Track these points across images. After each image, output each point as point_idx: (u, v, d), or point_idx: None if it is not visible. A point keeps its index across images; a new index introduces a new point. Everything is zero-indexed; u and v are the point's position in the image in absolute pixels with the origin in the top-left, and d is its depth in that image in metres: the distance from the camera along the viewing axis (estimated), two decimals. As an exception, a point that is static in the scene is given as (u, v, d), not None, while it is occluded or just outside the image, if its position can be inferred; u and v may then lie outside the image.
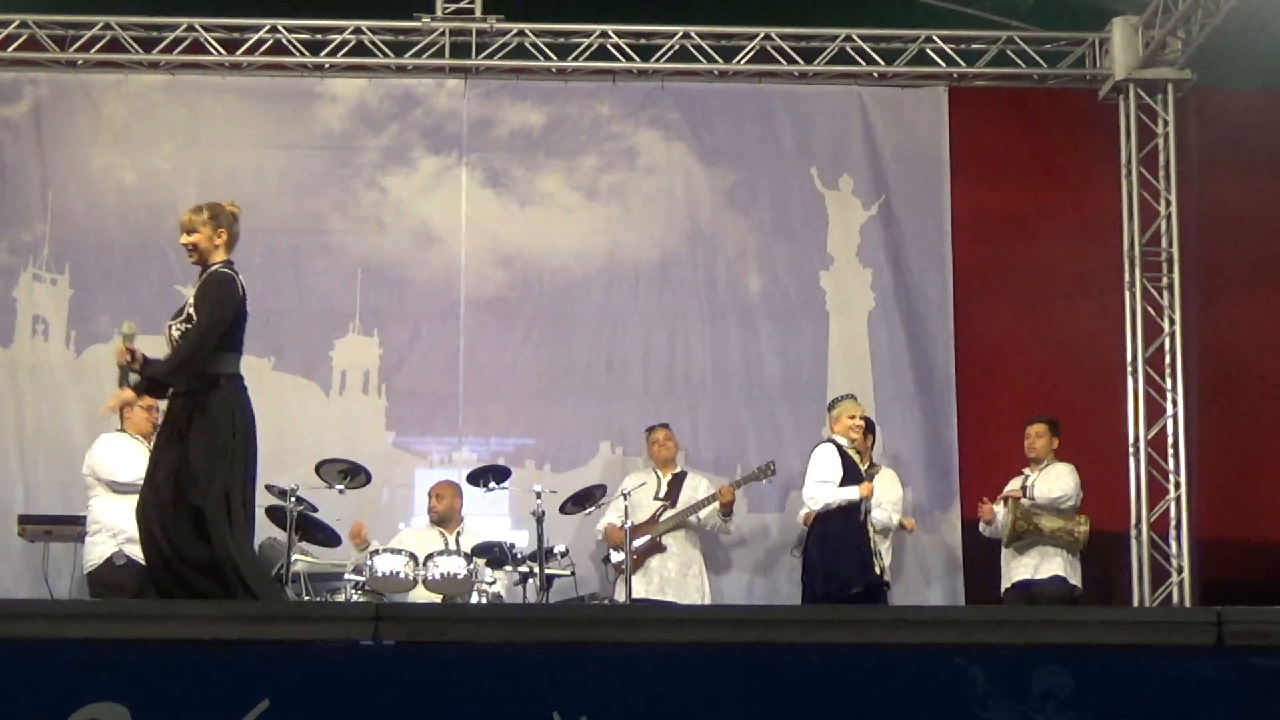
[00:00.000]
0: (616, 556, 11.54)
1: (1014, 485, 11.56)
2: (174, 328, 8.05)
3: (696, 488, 11.80)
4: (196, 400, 7.98)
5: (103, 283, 12.76)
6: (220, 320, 7.91)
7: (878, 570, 10.59)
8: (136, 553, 10.28)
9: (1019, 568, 11.35)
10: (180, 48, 12.82)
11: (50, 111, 12.96)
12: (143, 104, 13.04)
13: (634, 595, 11.32)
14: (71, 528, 11.36)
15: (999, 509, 11.45)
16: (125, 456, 10.67)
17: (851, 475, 10.63)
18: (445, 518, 11.59)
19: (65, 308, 12.70)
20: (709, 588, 11.78)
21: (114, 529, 10.54)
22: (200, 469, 7.90)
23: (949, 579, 12.43)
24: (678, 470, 11.92)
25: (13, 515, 11.92)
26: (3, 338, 12.65)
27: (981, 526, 11.75)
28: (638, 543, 11.33)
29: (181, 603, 10.02)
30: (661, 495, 11.73)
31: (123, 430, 10.89)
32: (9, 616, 5.23)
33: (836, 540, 10.60)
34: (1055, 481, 11.37)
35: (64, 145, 12.96)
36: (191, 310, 7.97)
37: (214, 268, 8.03)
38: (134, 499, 10.32)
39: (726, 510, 11.65)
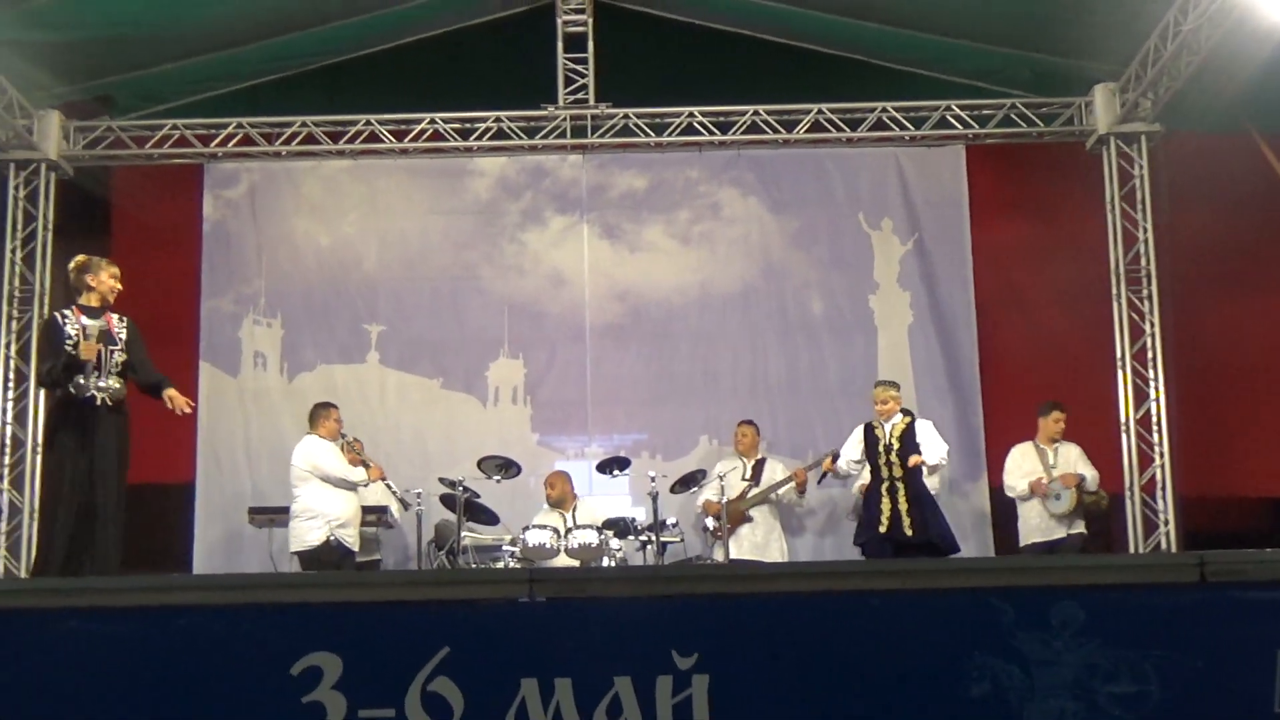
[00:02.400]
0: (712, 524, 11.62)
1: (1025, 454, 11.55)
2: (115, 353, 8.20)
3: (775, 470, 11.84)
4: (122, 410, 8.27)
5: (307, 324, 12.90)
6: None
7: (883, 529, 10.46)
8: (343, 535, 10.62)
9: (1057, 528, 11.30)
10: (361, 138, 12.96)
11: (262, 192, 13.12)
12: (333, 183, 13.20)
13: (724, 557, 11.34)
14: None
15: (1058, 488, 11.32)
16: (332, 455, 10.89)
17: (872, 451, 10.76)
18: (560, 500, 11.60)
19: (279, 345, 12.85)
20: (787, 549, 11.81)
21: (327, 515, 10.70)
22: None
23: (980, 535, 12.33)
24: (760, 457, 11.93)
25: (244, 507, 11.98)
26: (232, 370, 12.78)
27: (1021, 491, 11.56)
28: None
29: (379, 573, 10.36)
30: (748, 477, 11.75)
31: (318, 434, 11.01)
32: (245, 587, 5.33)
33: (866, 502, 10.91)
34: (1089, 466, 11.45)
35: (273, 217, 13.12)
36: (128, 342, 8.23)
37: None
38: (340, 493, 10.88)
39: (801, 489, 11.73)
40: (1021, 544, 11.58)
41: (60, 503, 8.04)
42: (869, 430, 10.81)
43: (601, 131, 13.00)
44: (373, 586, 5.39)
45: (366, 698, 4.71)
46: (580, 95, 12.85)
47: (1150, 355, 12.57)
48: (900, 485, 10.54)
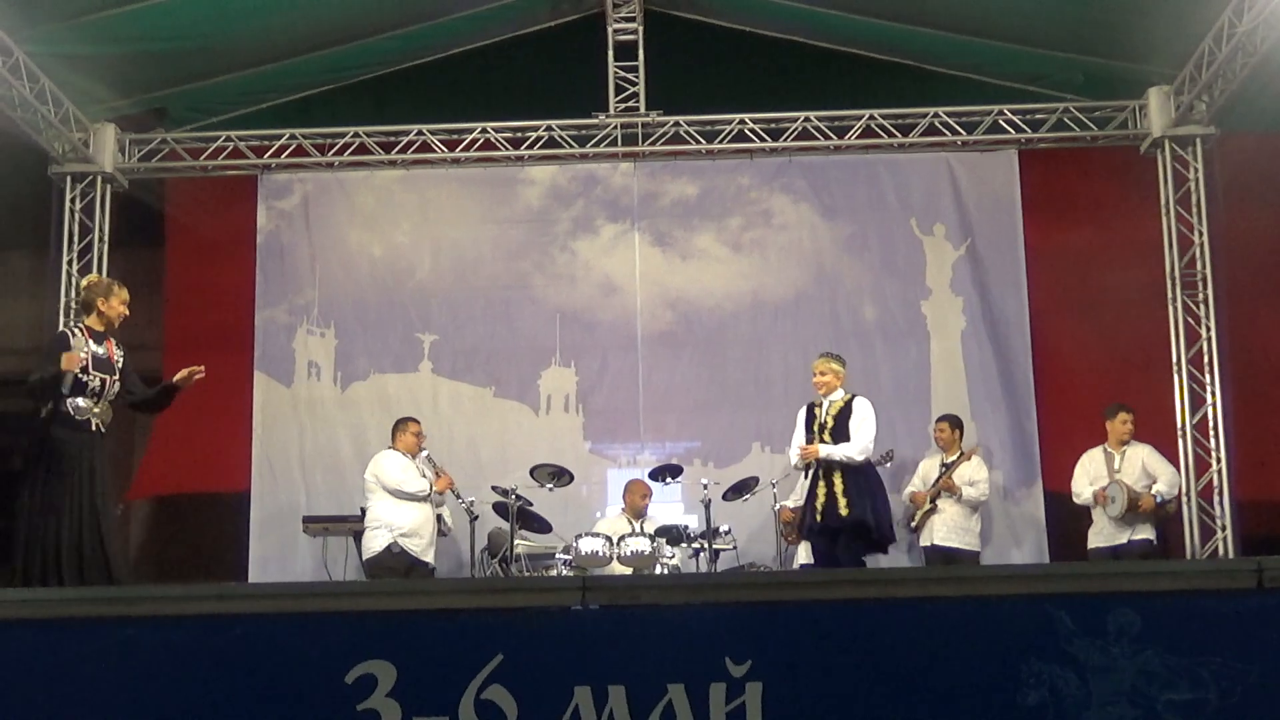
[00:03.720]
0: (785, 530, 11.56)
1: (1093, 459, 11.48)
2: (114, 383, 8.26)
3: None
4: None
5: (360, 333, 12.93)
6: None
7: (819, 518, 9.67)
8: (408, 544, 10.79)
9: (1118, 534, 11.22)
10: (413, 149, 12.95)
11: (315, 203, 13.18)
12: (385, 194, 13.24)
13: (800, 561, 11.37)
14: (343, 524, 11.61)
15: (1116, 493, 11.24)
16: (406, 470, 11.05)
17: (809, 429, 10.00)
18: (640, 511, 11.58)
19: (332, 355, 12.90)
20: None
21: (391, 525, 10.90)
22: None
23: (1034, 541, 12.24)
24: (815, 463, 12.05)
25: (298, 516, 12.09)
26: (286, 379, 12.84)
27: (1086, 500, 11.49)
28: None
29: (432, 581, 10.40)
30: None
31: (395, 448, 11.23)
32: (300, 595, 5.43)
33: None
34: (1161, 463, 11.39)
35: (326, 228, 13.17)
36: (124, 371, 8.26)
37: None
38: (408, 504, 10.96)
39: None
40: (1088, 549, 11.49)
41: (59, 523, 7.97)
42: (810, 410, 10.10)
43: (652, 139, 12.96)
44: (426, 594, 5.45)
45: (420, 705, 4.74)
46: (631, 103, 12.81)
47: (1206, 359, 12.40)
48: (836, 466, 9.78)
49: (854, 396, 10.12)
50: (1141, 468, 11.39)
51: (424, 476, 11.20)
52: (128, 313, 8.50)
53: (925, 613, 4.99)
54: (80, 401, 8.13)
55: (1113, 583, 5.15)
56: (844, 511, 9.60)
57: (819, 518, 9.68)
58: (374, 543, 10.98)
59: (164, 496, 13.48)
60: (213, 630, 4.88)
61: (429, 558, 11.15)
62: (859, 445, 9.82)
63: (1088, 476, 11.55)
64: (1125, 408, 11.56)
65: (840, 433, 9.83)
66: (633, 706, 4.74)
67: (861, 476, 9.77)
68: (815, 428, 9.91)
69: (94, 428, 8.19)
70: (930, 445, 12.15)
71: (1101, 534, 11.40)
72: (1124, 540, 11.24)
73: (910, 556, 12.02)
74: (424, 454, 11.37)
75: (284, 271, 13.13)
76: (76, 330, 8.29)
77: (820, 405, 10.04)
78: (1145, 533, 11.26)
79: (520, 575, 10.79)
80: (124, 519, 13.58)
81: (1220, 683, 4.72)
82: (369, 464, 11.30)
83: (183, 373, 8.53)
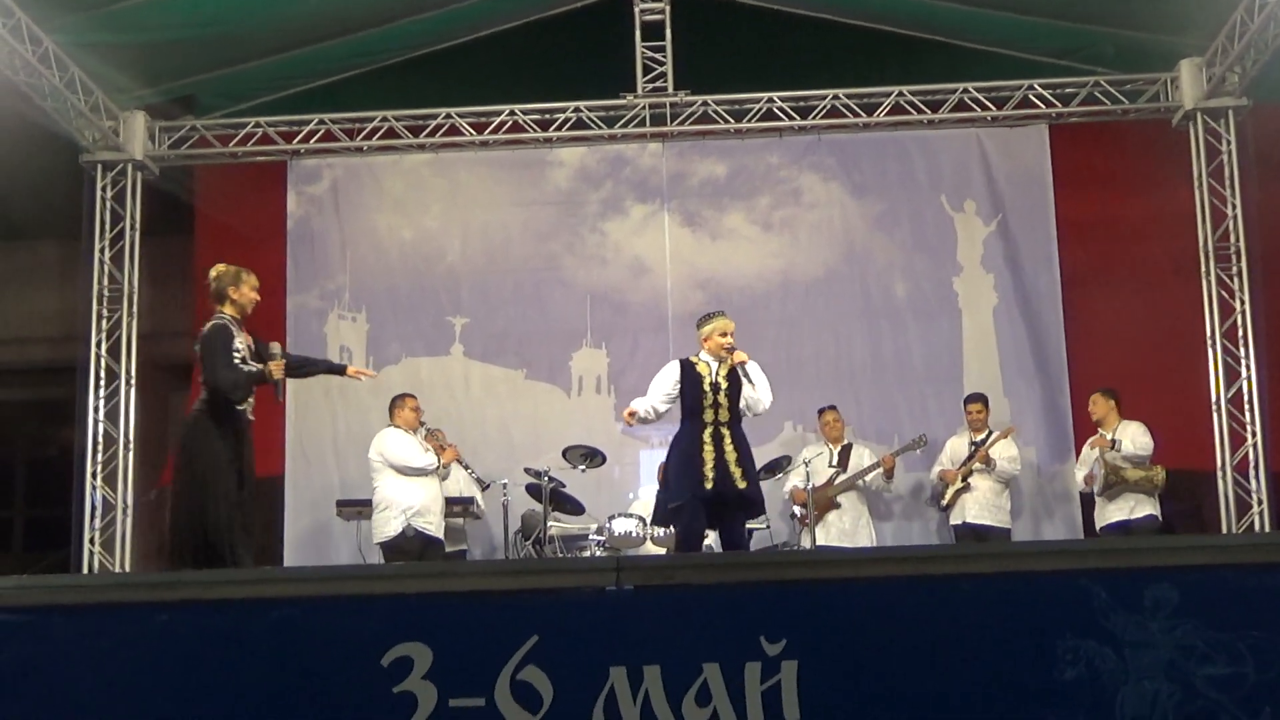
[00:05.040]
0: (800, 512, 11.62)
1: (1093, 447, 11.53)
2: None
3: (862, 456, 11.85)
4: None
5: (392, 318, 12.97)
6: None
7: (709, 485, 8.78)
8: (421, 524, 10.80)
9: (1115, 511, 11.30)
10: (441, 132, 12.97)
11: (345, 187, 13.22)
12: (415, 178, 13.26)
13: (812, 543, 11.37)
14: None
15: (1091, 458, 11.42)
16: (410, 446, 11.02)
17: (694, 391, 9.02)
18: None
19: (364, 339, 12.95)
20: (875, 535, 11.80)
21: (403, 505, 10.89)
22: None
23: (1068, 516, 12.27)
24: (845, 443, 11.95)
25: (332, 500, 12.12)
26: None
27: (1082, 487, 11.77)
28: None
29: (467, 562, 10.44)
30: (834, 463, 11.79)
31: (395, 425, 11.18)
32: (336, 578, 5.41)
33: (673, 458, 9.17)
34: (1140, 438, 11.34)
35: (356, 213, 13.20)
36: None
37: None
38: (416, 480, 10.97)
39: (889, 474, 11.74)
40: (1099, 526, 11.56)
41: (212, 504, 8.01)
42: (688, 367, 9.15)
43: (681, 119, 12.94)
44: (461, 576, 5.42)
45: (457, 687, 4.73)
46: (659, 83, 12.77)
47: (1240, 333, 12.35)
48: (726, 432, 8.95)
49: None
50: (1129, 438, 11.42)
51: (428, 451, 11.19)
52: (259, 298, 8.52)
53: (960, 589, 4.93)
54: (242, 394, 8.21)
55: (1149, 557, 5.05)
56: (741, 484, 8.87)
57: (709, 485, 8.81)
58: (388, 526, 10.96)
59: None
60: (248, 615, 4.88)
61: (441, 534, 11.18)
62: (769, 394, 9.14)
63: (1085, 465, 11.70)
64: (1102, 390, 11.64)
65: (736, 392, 9.02)
66: (668, 686, 4.72)
67: (746, 445, 9.08)
68: (707, 387, 8.98)
69: (248, 416, 8.28)
70: (962, 423, 12.14)
71: (1100, 515, 11.49)
72: (1125, 517, 11.28)
73: (940, 535, 12.05)
74: (424, 428, 11.37)
75: (314, 257, 13.17)
76: (227, 324, 8.26)
77: (704, 363, 9.13)
78: (1147, 508, 11.30)
79: (554, 557, 10.79)
80: (158, 504, 13.68)
81: (1258, 657, 4.68)
82: (371, 444, 11.26)
83: (356, 370, 8.86)
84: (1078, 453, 12.24)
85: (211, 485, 7.92)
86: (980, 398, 12.02)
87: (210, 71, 12.82)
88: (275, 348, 8.33)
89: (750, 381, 9.03)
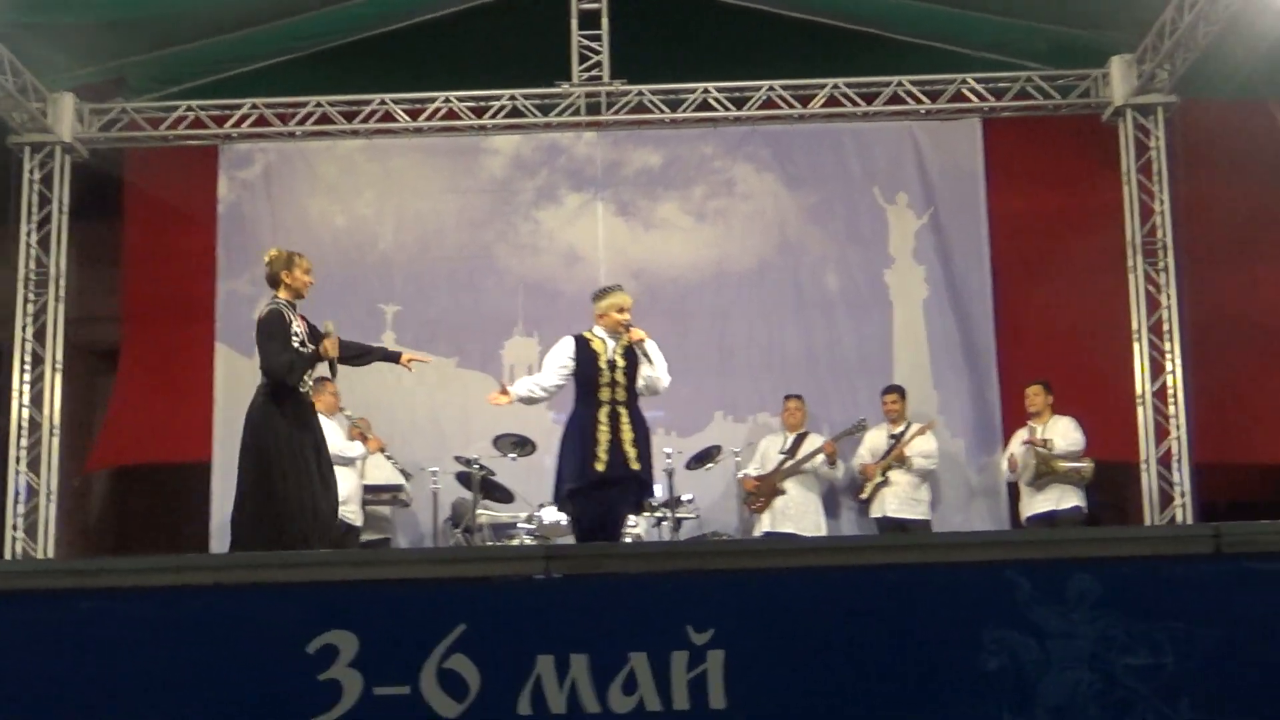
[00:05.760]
0: (747, 498, 11.81)
1: (1023, 437, 11.63)
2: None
3: (813, 444, 11.88)
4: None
5: (322, 304, 12.63)
6: None
7: (600, 466, 8.48)
8: (345, 512, 10.37)
9: (1042, 501, 11.42)
10: (375, 118, 12.92)
11: (277, 172, 13.14)
12: (348, 163, 13.20)
13: (763, 529, 11.53)
14: None
15: (1021, 451, 11.54)
16: (335, 433, 10.76)
17: (589, 369, 8.71)
18: None
19: (295, 325, 13.05)
20: (824, 522, 11.87)
21: None
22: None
23: (994, 509, 12.35)
24: (802, 430, 12.01)
25: (262, 487, 12.27)
26: (248, 351, 11.65)
27: (1006, 475, 11.86)
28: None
29: (395, 550, 10.37)
30: (785, 450, 11.88)
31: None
32: (261, 565, 5.27)
33: (567, 439, 8.80)
34: (1072, 433, 11.47)
35: (288, 198, 13.12)
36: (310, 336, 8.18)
37: None
38: (339, 470, 10.86)
39: (831, 460, 11.80)
40: (1024, 517, 11.68)
41: (279, 485, 7.91)
42: (583, 343, 8.82)
43: (616, 108, 12.94)
44: (389, 564, 5.39)
45: (382, 675, 4.69)
46: (595, 72, 12.77)
47: (1166, 327, 12.49)
48: (623, 411, 8.64)
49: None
50: (1060, 435, 11.52)
51: (354, 440, 11.12)
52: (313, 281, 8.47)
53: (887, 580, 4.92)
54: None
55: (1072, 549, 5.06)
56: (634, 465, 8.56)
57: (600, 466, 8.49)
58: None
59: (124, 467, 13.44)
60: (172, 602, 4.81)
61: (360, 522, 11.16)
62: (666, 374, 8.85)
63: (1014, 451, 11.78)
64: (1038, 383, 11.73)
65: (634, 370, 8.72)
66: (595, 675, 4.68)
67: (643, 426, 8.81)
68: (603, 364, 8.66)
69: (309, 399, 8.23)
70: (889, 415, 12.22)
71: (1028, 505, 11.60)
72: (1051, 508, 11.40)
73: (860, 526, 12.15)
74: (344, 413, 11.30)
75: (246, 242, 12.98)
76: (281, 308, 8.22)
77: (599, 340, 8.82)
78: (1073, 500, 11.43)
79: (483, 545, 10.77)
80: (83, 490, 13.56)
81: (1178, 647, 4.70)
82: None
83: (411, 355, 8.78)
84: (1005, 445, 12.31)
85: (275, 467, 7.87)
86: (896, 389, 12.13)
87: (141, 53, 12.69)
88: (329, 325, 8.32)
89: (649, 360, 8.75)
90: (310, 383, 8.24)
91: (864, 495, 11.96)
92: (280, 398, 8.01)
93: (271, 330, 8.07)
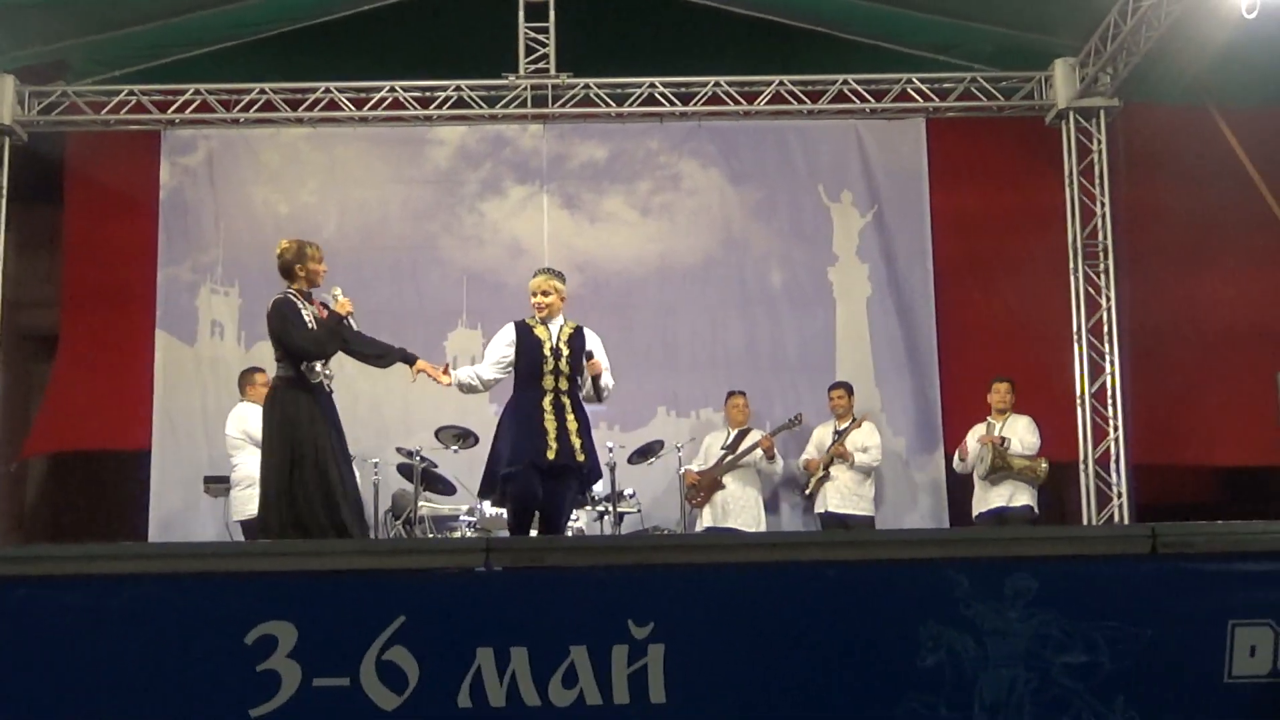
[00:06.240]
0: (689, 493, 11.80)
1: (980, 431, 11.67)
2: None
3: (754, 439, 11.89)
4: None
5: (265, 292, 11.80)
6: None
7: (552, 455, 8.15)
8: None
9: (995, 497, 11.45)
10: (320, 106, 12.86)
11: (220, 159, 13.01)
12: (292, 151, 13.12)
13: (704, 524, 11.54)
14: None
15: (975, 446, 11.59)
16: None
17: (532, 356, 8.40)
18: None
19: (236, 314, 12.76)
20: (764, 517, 11.85)
21: None
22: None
23: (935, 506, 12.46)
24: (745, 426, 12.01)
25: (200, 476, 11.92)
26: (189, 338, 12.68)
27: (956, 464, 11.90)
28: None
29: (334, 542, 10.28)
30: (727, 445, 11.89)
31: (249, 400, 10.92)
32: (199, 555, 5.29)
33: (508, 424, 8.43)
34: (1029, 433, 11.54)
35: (231, 186, 13.02)
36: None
37: None
38: None
39: (769, 455, 11.79)
40: (976, 513, 11.71)
41: (298, 473, 7.89)
42: (525, 330, 8.53)
43: (562, 101, 12.92)
44: (328, 555, 5.34)
45: (321, 666, 4.70)
46: (541, 65, 12.74)
47: (1106, 329, 12.60)
48: (567, 401, 8.37)
49: (580, 325, 8.74)
50: (1018, 437, 11.58)
51: None
52: (325, 269, 8.38)
53: (827, 576, 4.97)
54: (316, 365, 8.11)
55: (1010, 547, 5.14)
56: (580, 456, 8.29)
57: (551, 455, 8.20)
58: (250, 505, 10.36)
59: (60, 454, 13.31)
60: (110, 591, 4.79)
61: None
62: (610, 376, 8.64)
63: (971, 447, 11.80)
64: (1001, 379, 11.77)
65: (578, 359, 8.46)
66: (535, 668, 4.72)
67: (586, 416, 8.54)
68: (546, 351, 8.38)
69: (328, 389, 8.18)
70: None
71: (981, 500, 11.63)
72: (1003, 504, 11.45)
73: (804, 522, 12.17)
74: None
75: (187, 229, 12.95)
76: (292, 296, 8.17)
77: (542, 327, 8.54)
78: (1024, 498, 11.48)
79: (424, 537, 10.72)
80: (18, 477, 13.41)
81: (1114, 646, 4.77)
82: (229, 420, 11.05)
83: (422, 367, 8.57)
84: (946, 443, 12.41)
85: (294, 456, 7.86)
86: (843, 385, 12.16)
87: (83, 36, 12.54)
88: (337, 290, 8.32)
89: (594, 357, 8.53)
90: (326, 371, 8.19)
91: (808, 491, 11.99)
92: (297, 389, 8.01)
93: (285, 315, 8.09)
